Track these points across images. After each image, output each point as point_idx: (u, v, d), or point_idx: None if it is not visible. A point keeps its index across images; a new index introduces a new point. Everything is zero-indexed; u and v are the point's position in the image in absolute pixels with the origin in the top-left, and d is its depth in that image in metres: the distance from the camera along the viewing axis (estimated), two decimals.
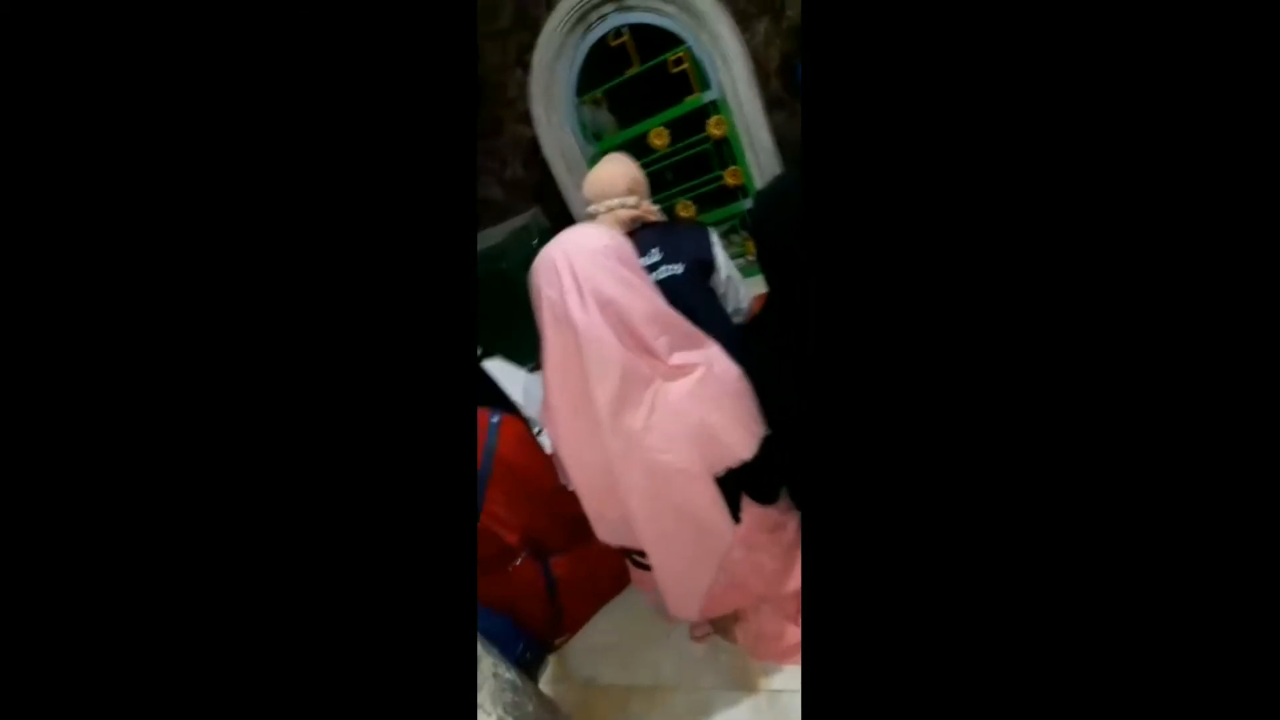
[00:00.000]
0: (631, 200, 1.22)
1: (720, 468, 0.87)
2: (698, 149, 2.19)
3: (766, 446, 0.89)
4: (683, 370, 0.87)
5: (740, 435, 0.86)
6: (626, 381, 0.83)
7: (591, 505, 0.93)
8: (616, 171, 1.25)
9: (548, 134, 2.32)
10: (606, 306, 0.84)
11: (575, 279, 0.84)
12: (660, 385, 0.86)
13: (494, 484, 1.09)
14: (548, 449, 1.11)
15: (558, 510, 1.13)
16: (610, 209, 1.13)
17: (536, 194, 2.52)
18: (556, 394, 0.88)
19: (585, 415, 0.86)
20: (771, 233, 0.96)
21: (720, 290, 1.33)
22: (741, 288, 1.41)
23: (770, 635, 0.96)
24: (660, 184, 2.24)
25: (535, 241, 2.23)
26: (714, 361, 0.89)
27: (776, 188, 1.04)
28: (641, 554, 0.95)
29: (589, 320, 0.83)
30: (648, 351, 0.86)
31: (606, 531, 0.93)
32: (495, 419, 1.12)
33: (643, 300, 0.87)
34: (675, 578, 0.92)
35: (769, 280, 1.02)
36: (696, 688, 0.96)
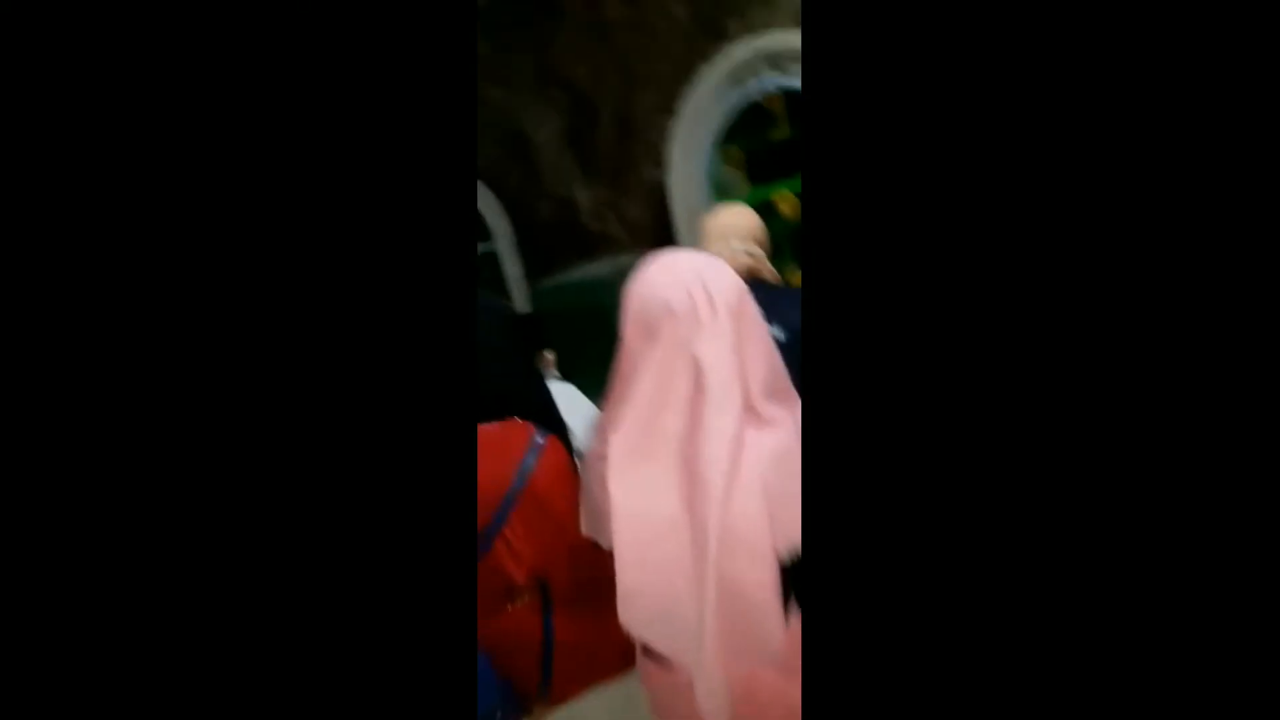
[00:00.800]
0: (754, 248, 1.17)
1: (789, 549, 0.72)
2: None
3: None
4: (770, 422, 0.74)
5: None
6: (741, 422, 0.71)
7: (629, 572, 0.78)
8: (742, 216, 1.24)
9: (678, 180, 2.31)
10: (734, 331, 0.73)
11: (708, 293, 0.74)
12: (752, 433, 0.73)
13: (519, 510, 0.98)
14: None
15: (580, 560, 1.00)
16: (733, 252, 1.06)
17: (655, 239, 2.50)
18: (633, 426, 0.75)
19: (661, 458, 0.73)
20: None
21: None
22: None
23: None
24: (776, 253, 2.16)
25: None
26: (799, 424, 0.75)
27: None
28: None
29: (718, 341, 0.72)
30: (748, 392, 0.74)
31: (635, 612, 0.78)
32: (540, 439, 1.02)
33: (760, 334, 0.77)
34: (707, 669, 0.75)
35: None
36: None
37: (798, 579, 0.75)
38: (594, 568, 1.03)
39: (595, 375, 1.84)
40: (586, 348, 1.98)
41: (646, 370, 0.75)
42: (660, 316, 0.75)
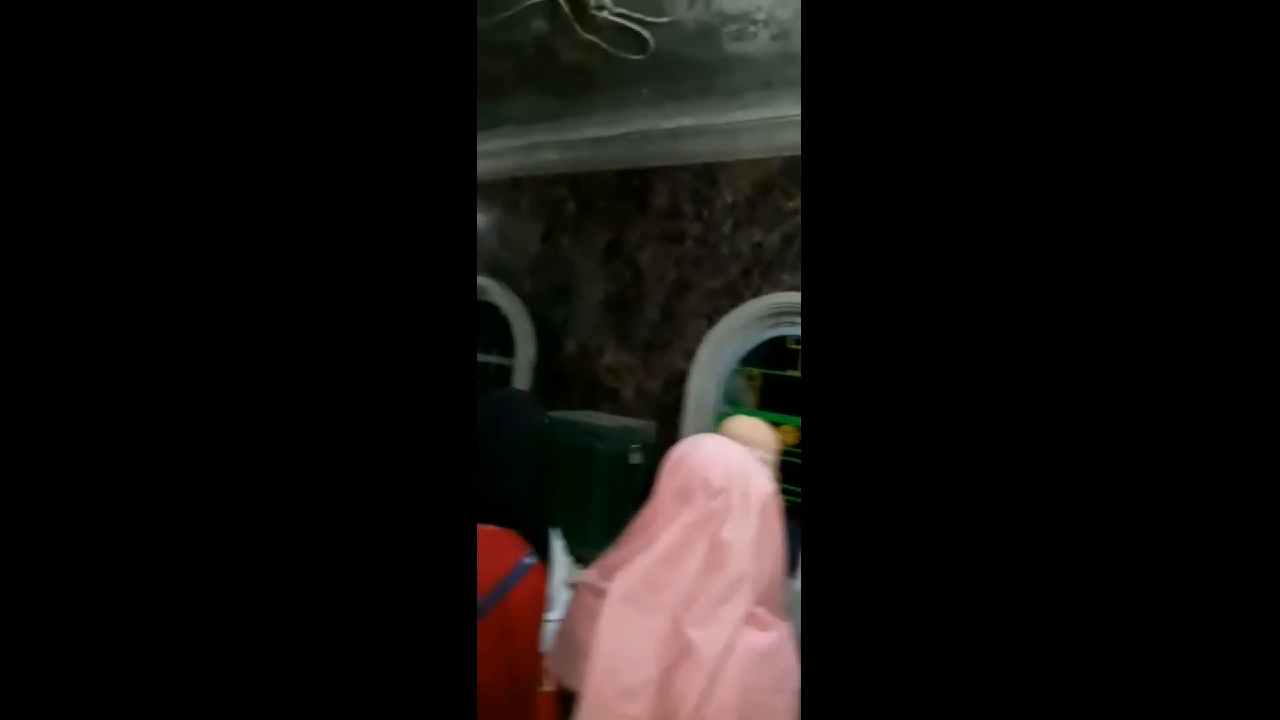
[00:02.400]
0: (769, 460, 1.32)
1: None
2: None
3: None
4: (764, 624, 0.79)
5: None
6: (744, 614, 0.77)
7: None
8: (768, 432, 1.40)
9: (697, 376, 2.55)
10: (759, 530, 0.83)
11: (745, 487, 0.84)
12: (747, 629, 0.78)
13: (484, 625, 1.00)
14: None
15: (521, 691, 0.99)
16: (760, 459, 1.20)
17: (661, 415, 2.69)
18: (641, 574, 0.80)
19: (659, 615, 0.77)
20: None
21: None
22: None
23: None
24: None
25: (636, 447, 2.31)
26: (787, 640, 0.81)
27: None
28: None
29: (745, 532, 0.81)
30: (757, 588, 0.81)
31: None
32: (529, 561, 1.06)
33: (777, 542, 0.85)
34: None
35: None
36: None
37: None
38: (523, 706, 1.00)
39: (563, 508, 1.90)
40: (563, 483, 2.05)
41: (670, 529, 0.82)
42: (698, 487, 0.84)
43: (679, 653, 0.76)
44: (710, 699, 0.73)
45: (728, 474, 0.85)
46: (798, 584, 1.31)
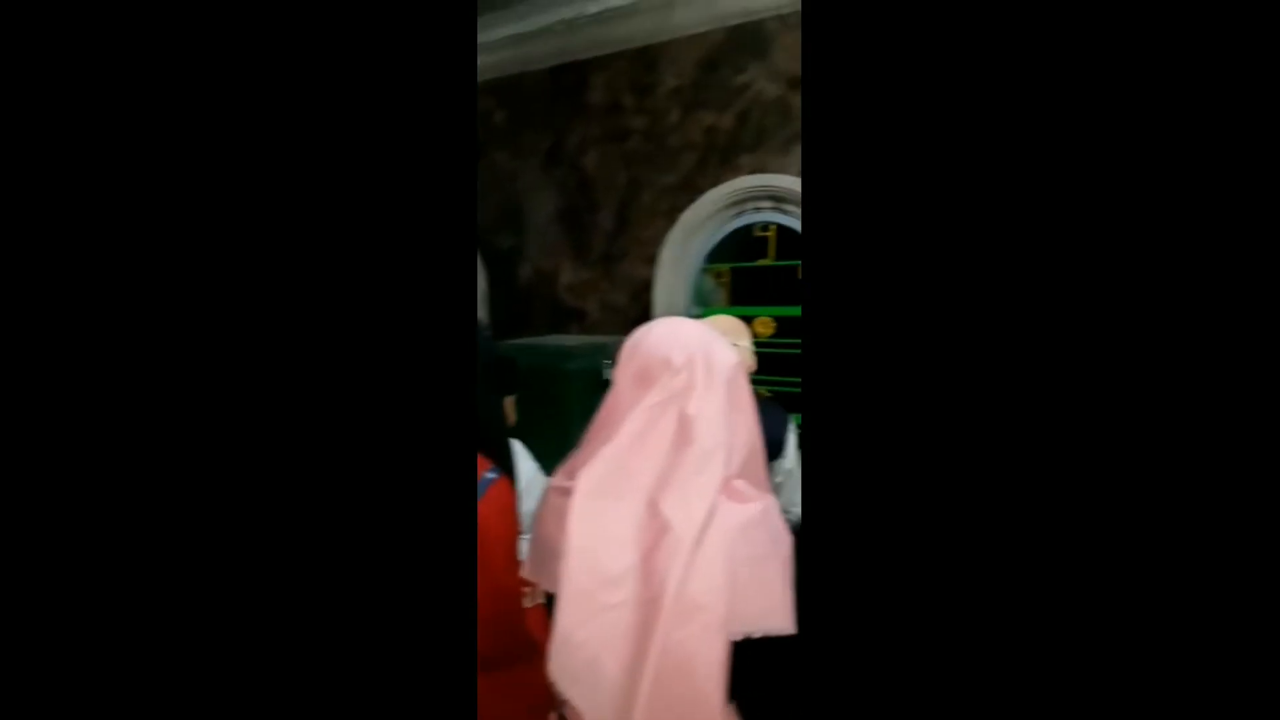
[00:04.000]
0: (745, 345, 1.26)
1: (740, 633, 0.68)
2: (794, 352, 2.19)
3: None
4: (743, 496, 0.72)
5: (780, 604, 0.68)
6: (719, 486, 0.70)
7: (570, 616, 0.70)
8: (742, 326, 1.42)
9: (663, 281, 2.41)
10: (726, 400, 0.75)
11: (708, 360, 0.76)
12: (724, 501, 0.71)
13: None
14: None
15: (503, 607, 0.91)
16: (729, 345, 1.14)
17: (624, 327, 2.56)
18: (607, 464, 0.73)
19: (630, 499, 0.70)
20: None
21: (776, 479, 1.25)
22: (799, 490, 1.31)
23: None
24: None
25: (608, 362, 2.20)
26: (772, 510, 0.73)
27: None
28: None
29: (710, 404, 0.73)
30: (729, 460, 0.73)
31: (565, 662, 0.69)
32: (493, 475, 0.96)
33: (749, 412, 0.78)
34: None
35: None
36: None
37: (742, 666, 0.69)
38: (509, 622, 0.93)
39: (539, 434, 1.80)
40: (536, 408, 1.94)
41: (633, 415, 0.74)
42: (658, 368, 0.76)
43: (657, 533, 0.68)
44: (693, 575, 0.66)
45: (687, 350, 0.77)
46: (786, 464, 1.25)
